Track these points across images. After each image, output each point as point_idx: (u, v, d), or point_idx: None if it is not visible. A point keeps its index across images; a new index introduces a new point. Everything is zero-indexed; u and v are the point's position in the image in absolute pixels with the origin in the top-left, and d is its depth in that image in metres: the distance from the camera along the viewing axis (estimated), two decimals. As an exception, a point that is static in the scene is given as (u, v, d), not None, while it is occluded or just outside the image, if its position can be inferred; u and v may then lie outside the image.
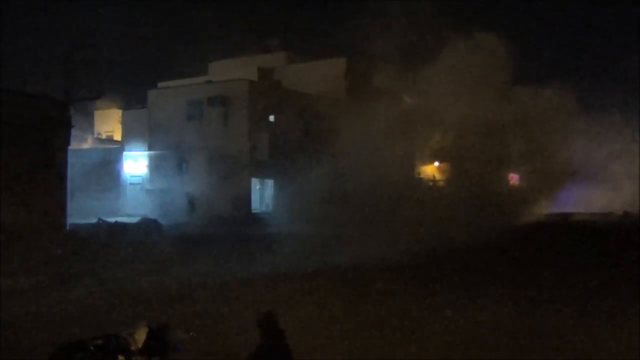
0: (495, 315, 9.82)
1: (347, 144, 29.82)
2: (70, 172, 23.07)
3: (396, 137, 28.51)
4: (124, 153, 35.11)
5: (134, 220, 26.79)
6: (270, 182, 32.55)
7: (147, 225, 24.40)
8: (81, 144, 38.72)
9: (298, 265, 15.19)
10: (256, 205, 31.91)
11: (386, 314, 9.98)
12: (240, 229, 26.12)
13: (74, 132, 21.99)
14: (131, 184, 34.29)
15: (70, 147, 21.35)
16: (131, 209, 31.91)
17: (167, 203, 31.06)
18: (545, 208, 32.75)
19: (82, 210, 28.09)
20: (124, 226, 24.06)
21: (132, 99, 43.87)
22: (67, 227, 20.89)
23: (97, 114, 46.33)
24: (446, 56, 28.40)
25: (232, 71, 35.48)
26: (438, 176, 35.39)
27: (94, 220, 24.36)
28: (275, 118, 32.10)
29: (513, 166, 33.37)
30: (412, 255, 16.91)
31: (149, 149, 33.58)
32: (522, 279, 13.52)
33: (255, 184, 32.00)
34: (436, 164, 36.00)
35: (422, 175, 35.64)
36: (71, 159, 22.36)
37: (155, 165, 33.10)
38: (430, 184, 34.56)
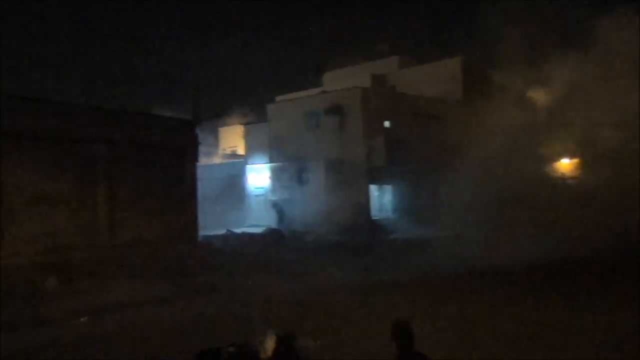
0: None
1: (466, 145, 28.84)
2: (200, 187, 24.20)
3: (522, 135, 27.05)
4: (247, 166, 36.42)
5: (259, 230, 27.70)
6: (388, 188, 32.29)
7: (272, 235, 25.11)
8: (209, 160, 40.91)
9: (425, 271, 14.82)
10: (376, 212, 31.68)
11: (528, 321, 9.44)
12: (362, 235, 26.15)
13: (201, 149, 23.12)
14: (255, 195, 35.40)
15: (199, 164, 22.32)
16: (256, 219, 32.94)
17: (289, 212, 31.78)
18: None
19: (212, 222, 29.28)
20: (250, 236, 24.91)
21: (254, 114, 45.81)
22: (199, 239, 21.84)
23: (222, 131, 48.81)
24: (579, 41, 25.93)
25: (345, 80, 35.65)
26: (569, 173, 33.11)
27: (222, 231, 25.51)
28: (390, 123, 31.84)
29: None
30: (553, 260, 15.98)
31: (270, 161, 34.54)
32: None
33: (374, 190, 31.87)
34: (566, 160, 33.67)
35: (552, 173, 33.53)
36: (200, 174, 23.51)
37: (276, 177, 34.01)
38: (560, 182, 32.44)
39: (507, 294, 11.80)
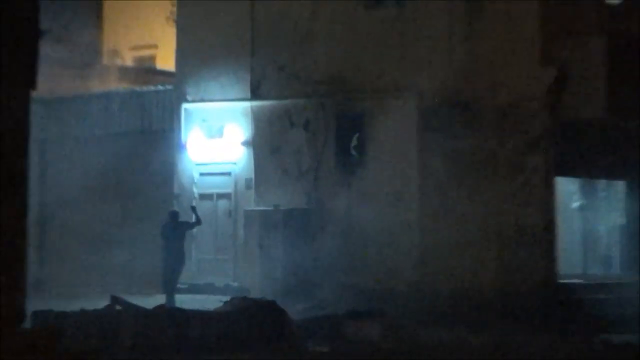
0: None
1: None
2: (41, 165, 26.16)
3: None
4: (183, 106, 34.60)
5: (215, 300, 27.01)
6: (619, 188, 30.22)
7: (246, 316, 23.75)
8: (81, 83, 41.20)
9: None
10: (573, 260, 29.57)
11: None
12: (530, 328, 24.92)
13: (55, 51, 23.71)
14: (203, 195, 33.77)
15: (41, 95, 22.43)
16: (201, 268, 33.12)
17: (299, 249, 30.66)
18: None
19: (83, 268, 32.44)
20: (186, 318, 23.89)
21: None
22: (30, 324, 19.41)
23: (107, 5, 48.32)
24: None
25: None
26: None
27: (104, 300, 24.19)
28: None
29: None
30: None
31: (253, 94, 32.61)
32: None
33: (570, 195, 29.56)
34: None
35: None
36: (49, 122, 25.07)
37: (264, 140, 32.54)
38: None
39: None
